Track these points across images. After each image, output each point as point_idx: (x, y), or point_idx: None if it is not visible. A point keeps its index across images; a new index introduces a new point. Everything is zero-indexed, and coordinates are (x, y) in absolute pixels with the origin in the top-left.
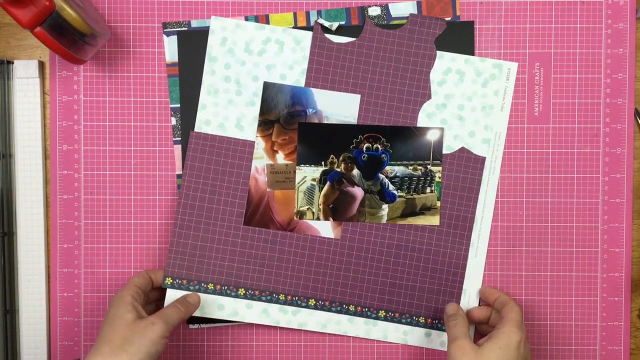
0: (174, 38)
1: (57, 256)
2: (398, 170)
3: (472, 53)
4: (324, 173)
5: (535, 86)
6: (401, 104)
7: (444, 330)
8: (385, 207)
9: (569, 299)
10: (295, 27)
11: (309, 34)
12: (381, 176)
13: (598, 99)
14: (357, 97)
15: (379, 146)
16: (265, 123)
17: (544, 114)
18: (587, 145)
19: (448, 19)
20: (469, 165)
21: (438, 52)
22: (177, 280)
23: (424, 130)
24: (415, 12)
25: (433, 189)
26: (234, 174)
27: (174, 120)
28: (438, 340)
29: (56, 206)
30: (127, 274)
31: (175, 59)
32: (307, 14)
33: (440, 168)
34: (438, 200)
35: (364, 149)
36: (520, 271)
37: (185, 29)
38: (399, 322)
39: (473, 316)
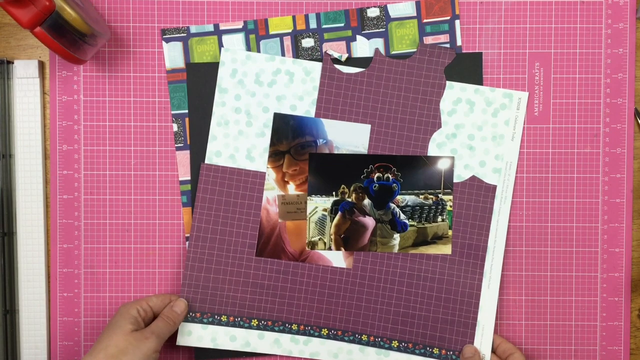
0: (174, 44)
1: (57, 256)
2: (409, 199)
3: (480, 83)
4: (335, 203)
5: (535, 86)
6: (411, 134)
7: None
8: (396, 236)
9: (569, 299)
10: (295, 30)
11: (319, 64)
12: (392, 205)
13: (598, 99)
14: (367, 127)
15: (390, 176)
16: (276, 154)
17: (544, 114)
18: (587, 145)
19: (447, 17)
20: (480, 193)
21: (448, 82)
22: (190, 314)
23: (434, 159)
24: (414, 12)
25: (444, 217)
26: (245, 205)
27: (175, 127)
28: None
29: (56, 206)
30: (127, 274)
31: (175, 65)
32: (306, 17)
33: (451, 197)
34: (449, 229)
35: (375, 178)
36: (521, 271)
37: (184, 34)
38: (412, 352)
39: None
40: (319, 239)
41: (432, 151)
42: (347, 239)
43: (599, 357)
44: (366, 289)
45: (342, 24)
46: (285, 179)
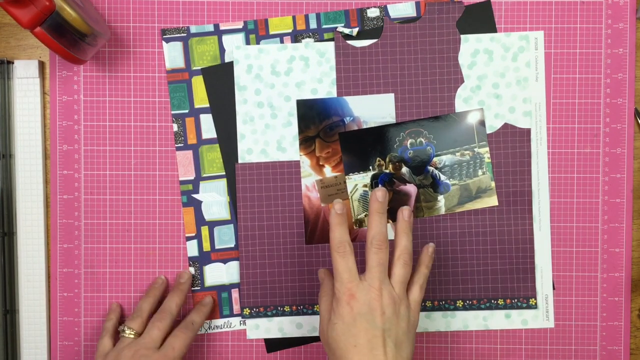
0: (174, 44)
1: (57, 256)
2: (446, 159)
3: (494, 31)
4: (374, 177)
5: None
6: (436, 94)
7: (525, 308)
8: (441, 198)
9: (569, 299)
10: (295, 30)
11: (331, 44)
12: (431, 169)
13: (598, 99)
14: (390, 96)
15: (423, 139)
16: (306, 140)
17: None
18: (587, 145)
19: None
20: (515, 139)
21: (462, 36)
22: (254, 309)
23: (463, 114)
24: (414, 12)
25: (485, 170)
26: (286, 196)
27: (175, 127)
28: (519, 319)
29: (56, 206)
30: (127, 274)
31: (175, 65)
32: (306, 17)
33: (487, 149)
34: (492, 180)
35: (408, 145)
36: None
37: (184, 34)
38: (478, 308)
39: None
40: (365, 216)
41: (459, 107)
42: (393, 210)
43: (599, 357)
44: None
45: (342, 24)
46: (320, 163)
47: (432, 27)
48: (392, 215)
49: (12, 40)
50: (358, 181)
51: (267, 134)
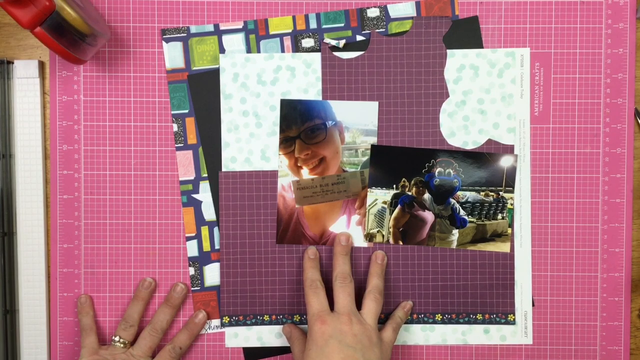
0: (174, 44)
1: (57, 256)
2: (470, 195)
3: (481, 47)
4: (395, 196)
5: (535, 86)
6: (420, 108)
7: (503, 323)
8: (455, 232)
9: (569, 299)
10: (295, 30)
11: (318, 55)
12: (452, 201)
13: (598, 99)
14: (375, 104)
15: (452, 171)
16: (287, 140)
17: (544, 114)
18: (587, 145)
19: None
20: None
21: (449, 51)
22: (233, 318)
23: (496, 156)
24: (414, 12)
25: (505, 215)
26: (269, 205)
27: (175, 127)
28: (497, 335)
29: (56, 206)
30: (127, 274)
31: (175, 65)
32: (306, 17)
33: (512, 195)
34: (509, 227)
35: (436, 173)
36: None
37: (184, 34)
38: (457, 322)
39: None
40: (377, 232)
41: (443, 122)
42: (406, 233)
43: (599, 357)
44: (401, 268)
45: (342, 24)
46: (299, 164)
47: (419, 41)
48: (404, 237)
49: (12, 40)
50: (379, 196)
51: (252, 143)
